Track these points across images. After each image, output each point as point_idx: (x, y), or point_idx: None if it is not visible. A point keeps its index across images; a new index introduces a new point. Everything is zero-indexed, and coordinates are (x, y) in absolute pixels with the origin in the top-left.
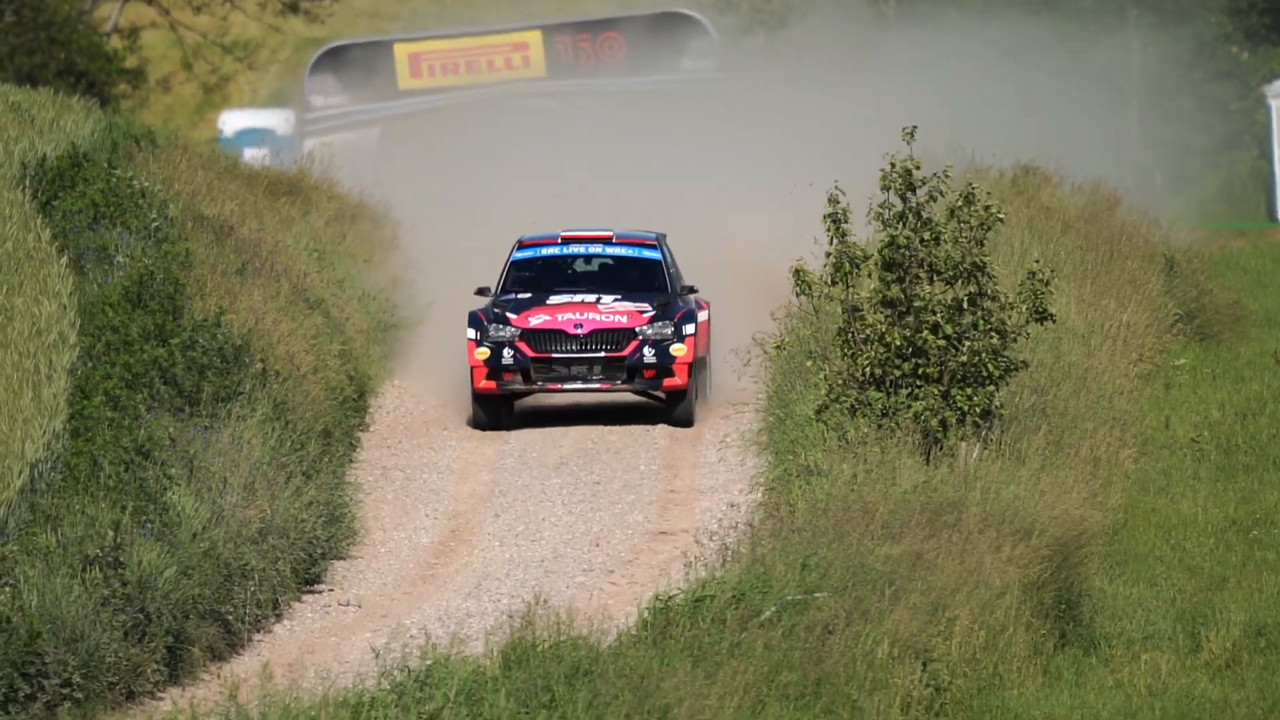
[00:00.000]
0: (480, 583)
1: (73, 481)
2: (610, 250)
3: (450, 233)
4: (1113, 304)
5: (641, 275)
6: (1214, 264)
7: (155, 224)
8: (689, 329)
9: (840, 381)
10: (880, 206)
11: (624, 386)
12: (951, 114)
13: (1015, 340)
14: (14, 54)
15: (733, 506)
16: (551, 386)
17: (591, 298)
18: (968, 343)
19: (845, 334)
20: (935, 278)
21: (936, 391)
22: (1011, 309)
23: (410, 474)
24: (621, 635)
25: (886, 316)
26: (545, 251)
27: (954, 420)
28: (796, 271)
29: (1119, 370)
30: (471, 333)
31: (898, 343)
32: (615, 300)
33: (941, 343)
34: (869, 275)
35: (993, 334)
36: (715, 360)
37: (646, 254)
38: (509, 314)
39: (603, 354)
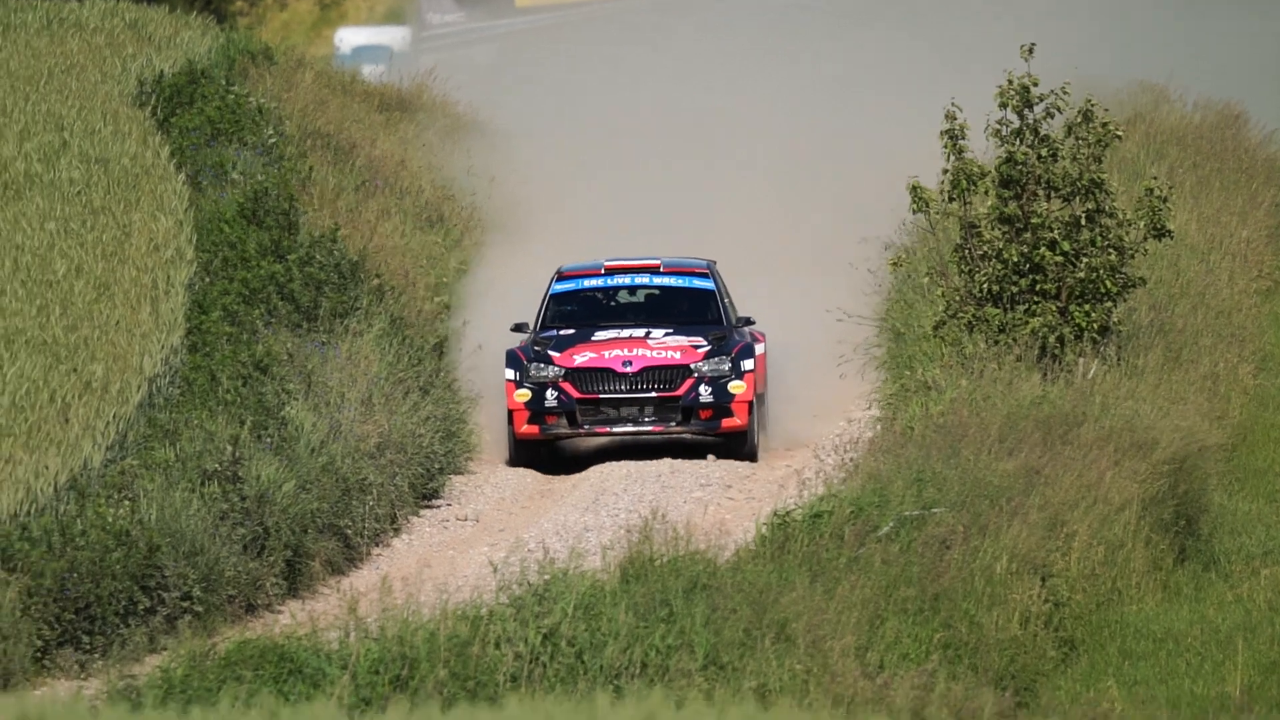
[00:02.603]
0: (598, 497)
1: (191, 396)
2: (658, 280)
3: (565, 151)
4: (1233, 220)
5: (693, 306)
6: None
7: (272, 141)
8: (748, 364)
9: (958, 298)
10: (998, 123)
11: (679, 429)
12: (1075, 28)
13: (1133, 256)
14: None
15: (850, 422)
16: (599, 430)
17: (640, 332)
18: (1085, 259)
19: (963, 250)
20: (1053, 194)
21: (1054, 308)
22: (1129, 225)
23: None
24: (739, 550)
25: (1004, 233)
26: (588, 283)
27: (1071, 336)
28: (913, 188)
29: (1238, 286)
30: (510, 373)
31: (1015, 259)
32: (666, 335)
33: (1059, 259)
34: (986, 192)
35: (1110, 250)
36: (775, 399)
37: (698, 283)
38: (551, 352)
39: (655, 394)
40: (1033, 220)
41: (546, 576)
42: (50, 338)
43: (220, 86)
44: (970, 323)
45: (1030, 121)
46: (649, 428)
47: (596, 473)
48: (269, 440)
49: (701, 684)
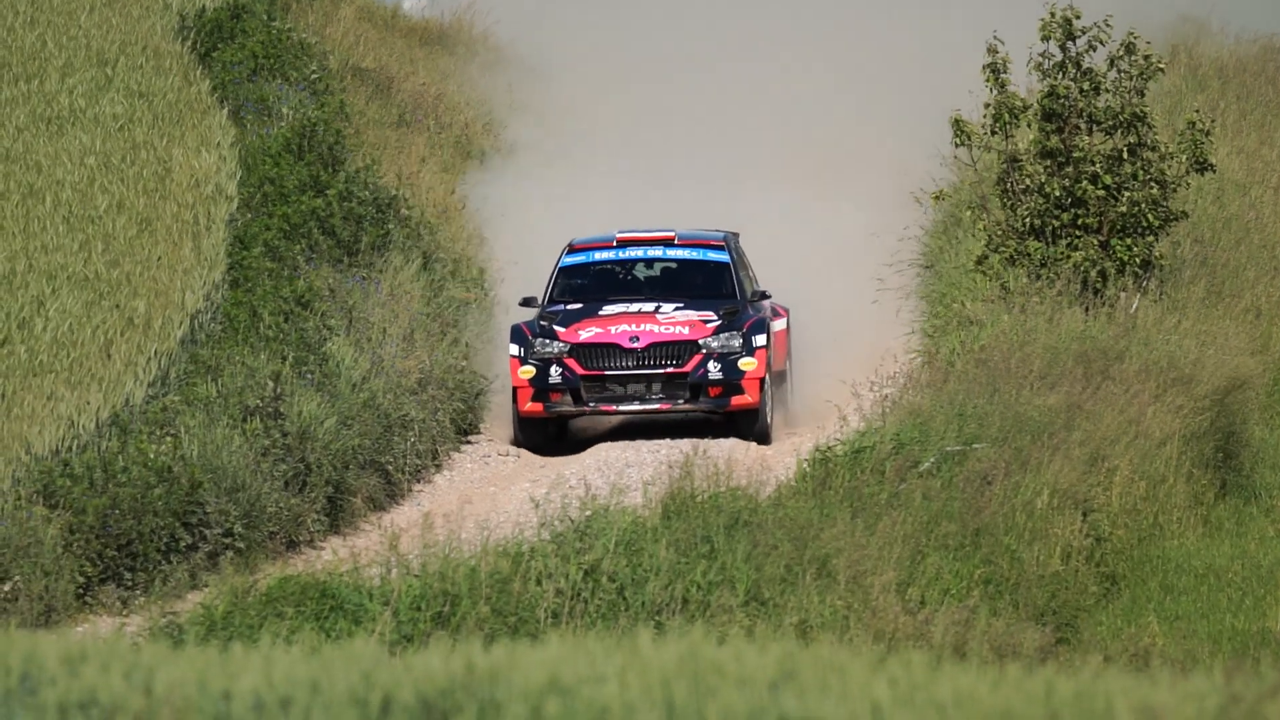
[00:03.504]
0: (639, 433)
1: (232, 332)
2: (671, 253)
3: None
4: (1274, 154)
5: (706, 280)
6: None
7: (314, 75)
8: (759, 340)
9: (999, 232)
10: (1040, 56)
11: (686, 406)
12: None
13: (1175, 190)
14: None
15: (890, 357)
16: (605, 408)
17: (650, 307)
18: (1127, 193)
19: (1004, 184)
20: (1095, 128)
21: (1096, 242)
22: (1171, 159)
23: None
24: (780, 486)
25: (1046, 167)
26: (598, 256)
27: (1113, 270)
28: (955, 122)
29: None
30: (515, 349)
31: (1057, 193)
32: (676, 309)
33: (1101, 193)
34: (1028, 125)
35: (1152, 184)
36: (800, 372)
37: (712, 256)
38: (556, 327)
39: (662, 370)
40: (1075, 154)
41: (588, 512)
42: (92, 274)
43: (262, 21)
44: (1012, 257)
45: (1072, 54)
46: (656, 405)
47: None
48: (310, 376)
49: (742, 620)
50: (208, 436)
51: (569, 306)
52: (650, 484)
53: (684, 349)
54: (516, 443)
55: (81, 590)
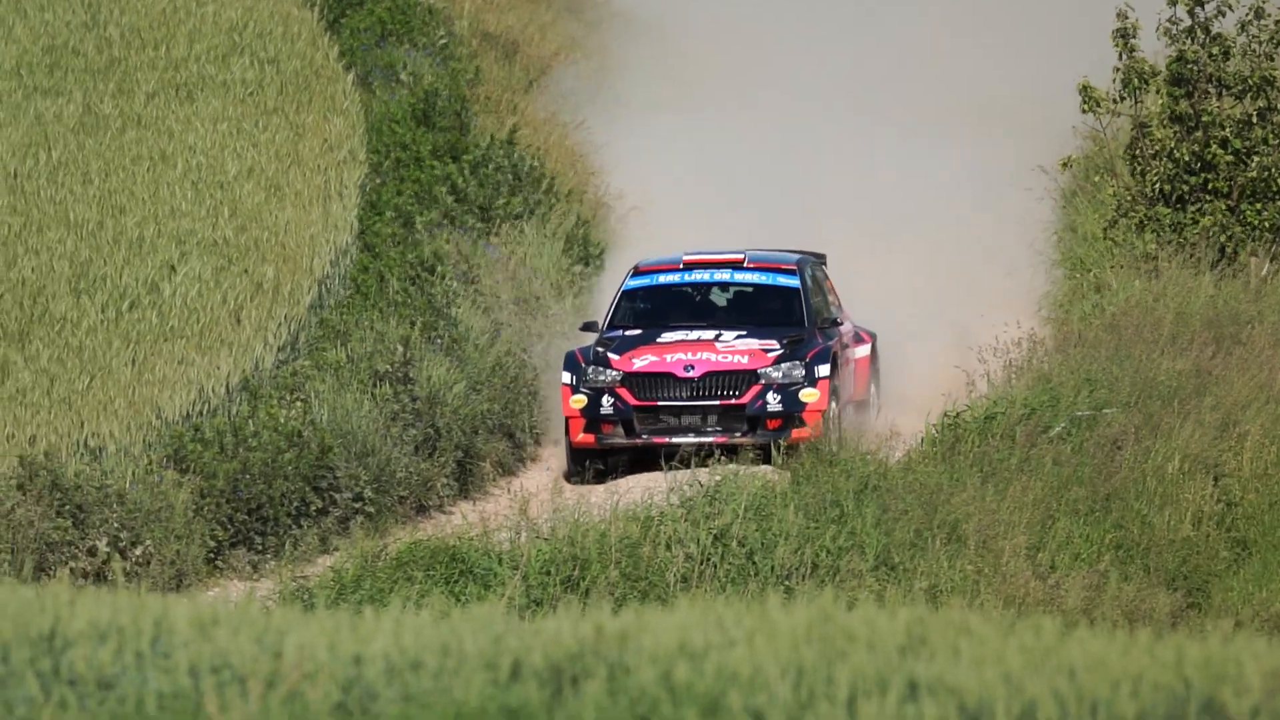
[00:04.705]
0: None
1: (361, 297)
2: (740, 276)
3: (735, 44)
4: None
5: (775, 306)
6: None
7: (442, 41)
8: (823, 370)
9: (1128, 197)
10: (1168, 21)
11: (744, 440)
12: None
13: None
14: None
15: (1019, 324)
16: (658, 440)
17: (710, 335)
18: (1257, 158)
19: (1133, 150)
20: (1224, 92)
21: (1225, 207)
22: None
23: None
24: (910, 451)
25: (1175, 132)
26: (663, 279)
27: (1243, 235)
28: (1083, 88)
29: None
30: (567, 377)
31: (1186, 158)
32: (737, 338)
33: (1230, 158)
34: (1157, 91)
35: None
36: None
37: (782, 280)
38: (611, 355)
39: (718, 401)
40: (1204, 118)
41: (717, 477)
42: (221, 239)
43: None
44: (1141, 222)
45: (1201, 19)
46: (711, 438)
47: None
48: (440, 341)
49: (872, 584)
50: (337, 401)
51: (627, 333)
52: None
53: (742, 379)
54: (569, 477)
55: (212, 554)
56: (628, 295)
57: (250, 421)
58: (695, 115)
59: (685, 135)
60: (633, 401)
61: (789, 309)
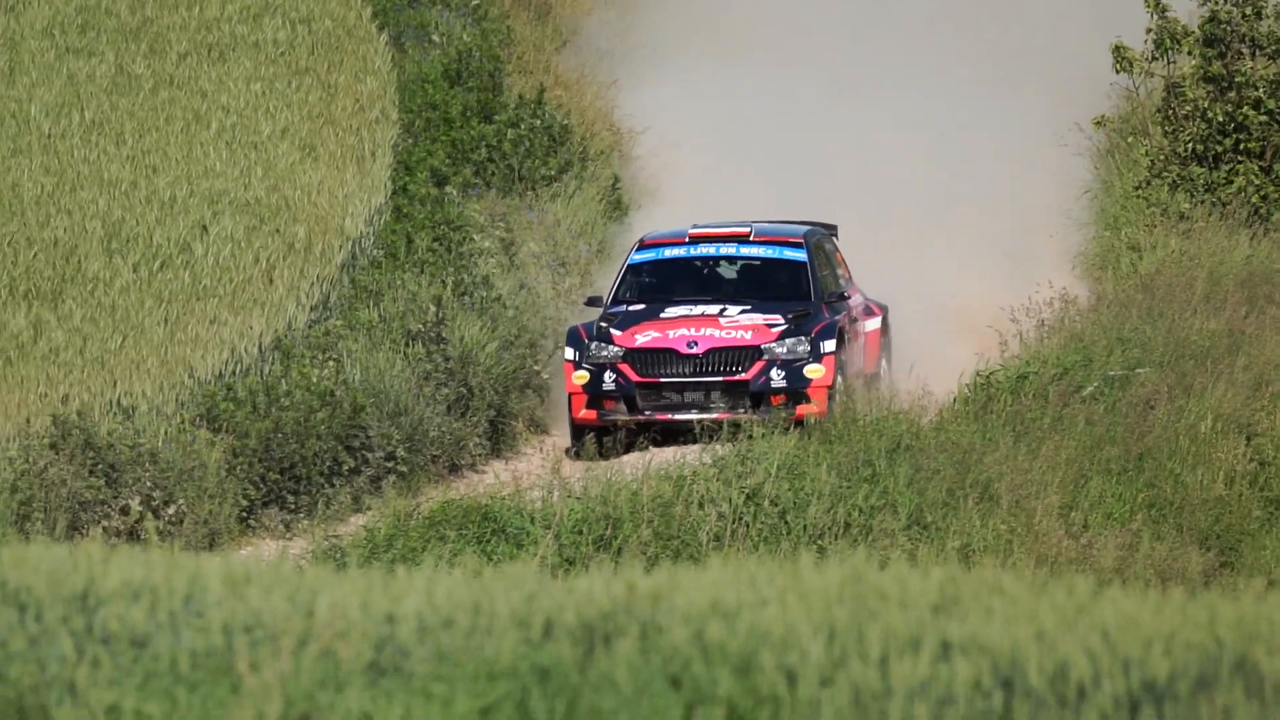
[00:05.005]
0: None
1: (393, 257)
2: (746, 250)
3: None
4: None
5: (782, 280)
6: None
7: (474, 1)
8: (828, 345)
9: (1161, 157)
10: None
11: (748, 417)
12: None
13: None
14: None
15: (1050, 283)
16: (660, 416)
17: (714, 310)
18: None
19: (1166, 110)
20: (1258, 53)
21: (1258, 167)
22: None
23: None
24: (942, 410)
25: (1208, 92)
26: (669, 253)
27: (1276, 195)
28: (1116, 48)
29: None
30: (570, 353)
31: (1219, 118)
32: (742, 312)
33: (1263, 118)
34: (1189, 52)
35: None
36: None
37: (789, 254)
38: (614, 330)
39: (721, 378)
40: (1237, 79)
41: (750, 436)
42: (253, 199)
43: None
44: (1174, 182)
45: None
46: (715, 415)
47: None
48: (471, 301)
49: (905, 544)
50: (370, 361)
51: (631, 308)
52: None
53: (746, 355)
54: (572, 451)
55: (245, 513)
56: (633, 269)
57: (283, 381)
58: (730, 71)
59: (720, 92)
60: (635, 378)
61: (795, 283)
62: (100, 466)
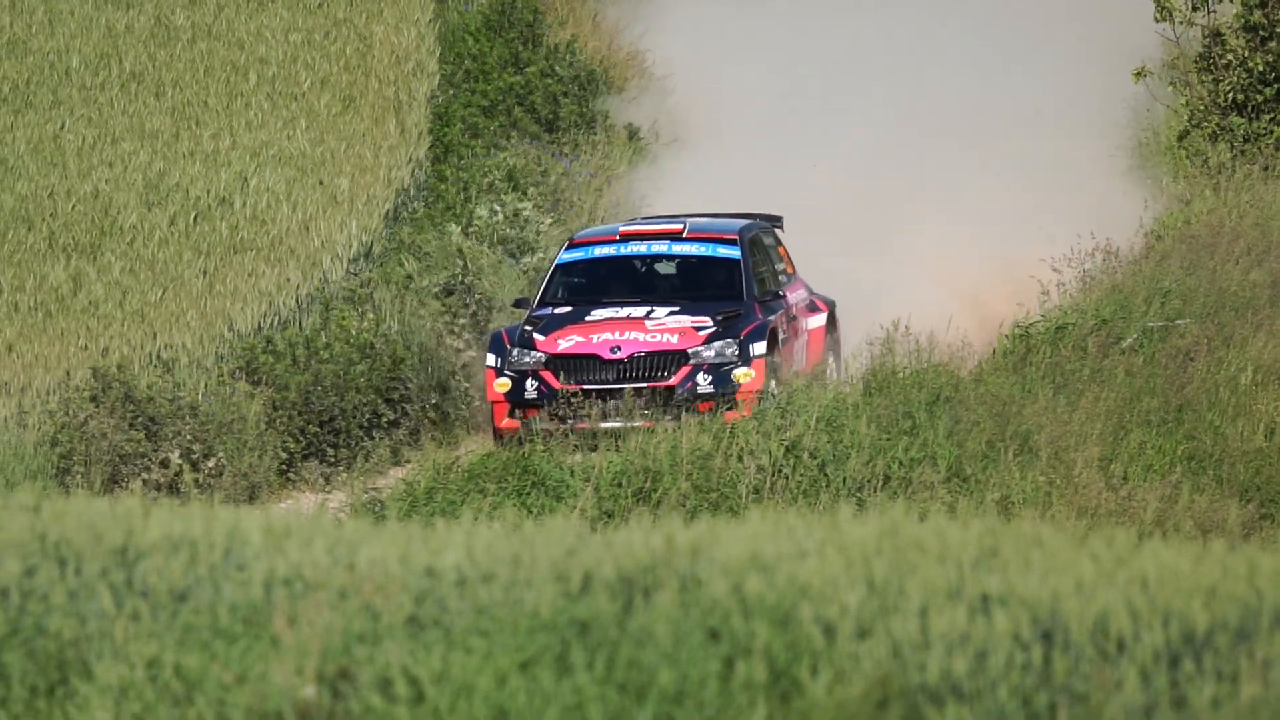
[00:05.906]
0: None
1: (432, 210)
2: (677, 248)
3: None
4: None
5: (715, 279)
6: None
7: None
8: (758, 348)
9: (1202, 107)
10: None
11: (674, 424)
12: None
13: None
14: None
15: (1091, 235)
16: (584, 425)
17: (640, 312)
18: None
19: (1206, 59)
20: None
21: None
22: None
23: None
24: (981, 362)
25: (1249, 41)
26: (598, 251)
27: None
28: None
29: None
30: (491, 359)
31: (1260, 68)
32: (670, 314)
33: None
34: (1230, 0)
35: None
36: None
37: (722, 251)
38: (536, 335)
39: (646, 384)
40: (1278, 28)
41: (789, 389)
42: (296, 151)
43: None
44: (1214, 133)
45: None
46: (640, 422)
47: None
48: (509, 251)
49: (944, 496)
50: (409, 313)
51: (556, 310)
52: (851, 359)
53: (671, 360)
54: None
55: (284, 466)
56: (561, 269)
57: (322, 333)
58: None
59: (757, 39)
60: (557, 385)
61: (729, 281)
62: (140, 419)
